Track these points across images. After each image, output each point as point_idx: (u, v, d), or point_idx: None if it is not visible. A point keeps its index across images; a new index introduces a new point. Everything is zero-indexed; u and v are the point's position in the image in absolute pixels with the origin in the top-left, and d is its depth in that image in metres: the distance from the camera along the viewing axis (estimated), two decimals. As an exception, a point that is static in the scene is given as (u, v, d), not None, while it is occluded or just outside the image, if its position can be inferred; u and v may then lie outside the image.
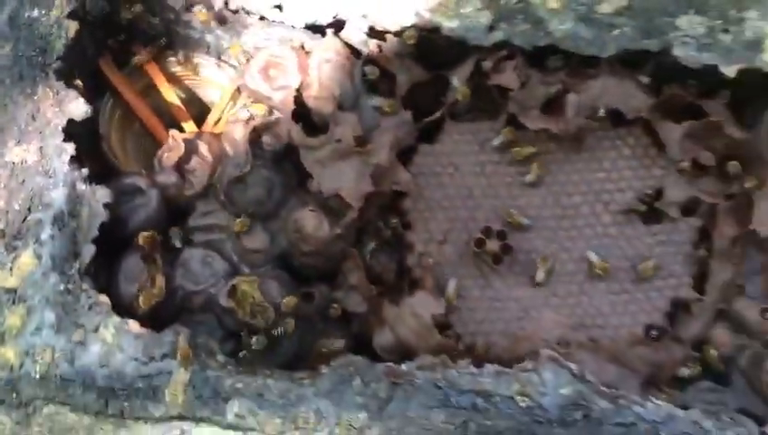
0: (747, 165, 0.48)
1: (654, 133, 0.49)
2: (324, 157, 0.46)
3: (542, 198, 0.49)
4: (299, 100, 0.48)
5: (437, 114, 0.49)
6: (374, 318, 0.45)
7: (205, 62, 0.55)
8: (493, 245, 0.47)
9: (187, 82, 0.57)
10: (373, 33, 0.48)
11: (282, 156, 0.47)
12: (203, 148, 0.47)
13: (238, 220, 0.44)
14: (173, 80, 0.56)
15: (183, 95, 0.58)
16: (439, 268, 0.47)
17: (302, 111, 0.49)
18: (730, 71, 0.47)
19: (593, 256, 0.47)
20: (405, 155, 0.49)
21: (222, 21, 0.49)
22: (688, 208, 0.48)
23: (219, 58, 0.55)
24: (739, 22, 0.47)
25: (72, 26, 0.48)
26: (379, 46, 0.49)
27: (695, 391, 0.46)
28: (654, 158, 0.49)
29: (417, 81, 0.50)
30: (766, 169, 0.47)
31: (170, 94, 0.55)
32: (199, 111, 0.61)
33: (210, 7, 0.50)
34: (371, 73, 0.49)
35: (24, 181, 0.45)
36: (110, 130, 0.53)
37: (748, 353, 0.46)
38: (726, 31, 0.47)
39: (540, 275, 0.46)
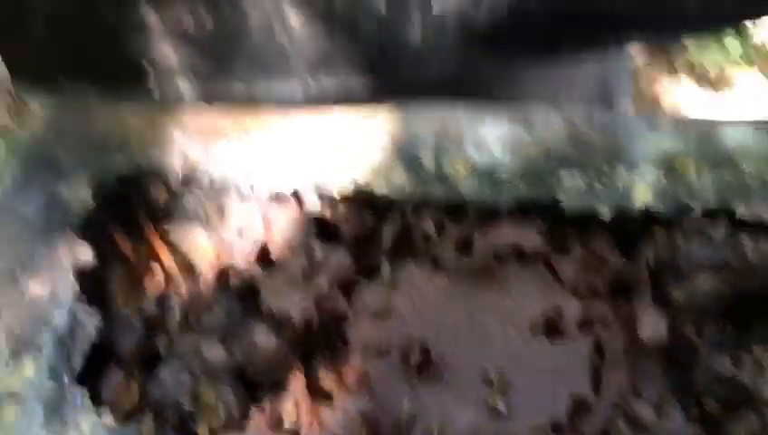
0: (631, 286, 0.57)
1: (552, 266, 0.59)
2: (277, 287, 0.57)
3: (462, 322, 0.58)
4: (264, 251, 0.60)
5: (373, 259, 0.61)
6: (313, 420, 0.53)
7: (195, 235, 0.68)
8: (416, 356, 0.55)
9: (183, 251, 0.70)
10: (322, 196, 0.61)
11: (245, 290, 0.58)
12: (182, 287, 0.58)
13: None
14: (171, 249, 0.69)
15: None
16: (372, 382, 0.55)
17: (264, 260, 0.60)
18: (605, 213, 0.58)
19: (508, 380, 0.55)
20: (348, 288, 0.60)
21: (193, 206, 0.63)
22: (584, 325, 0.56)
23: (209, 232, 0.68)
24: (611, 176, 0.59)
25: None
26: (328, 206, 0.62)
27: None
28: (553, 285, 0.58)
29: (358, 233, 0.61)
30: (646, 289, 0.56)
31: (169, 261, 0.68)
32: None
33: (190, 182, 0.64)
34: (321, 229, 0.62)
35: (35, 309, 0.56)
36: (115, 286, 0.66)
37: (646, 451, 0.51)
38: (601, 182, 0.59)
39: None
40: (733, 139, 0.61)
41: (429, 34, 0.56)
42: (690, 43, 2.29)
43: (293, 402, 0.54)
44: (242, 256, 0.61)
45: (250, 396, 0.55)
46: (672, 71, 2.32)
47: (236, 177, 0.63)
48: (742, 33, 2.27)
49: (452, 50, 0.57)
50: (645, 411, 0.52)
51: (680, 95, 2.29)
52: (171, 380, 0.55)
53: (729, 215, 0.57)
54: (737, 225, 0.56)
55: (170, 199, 0.66)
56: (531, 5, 0.56)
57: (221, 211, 0.65)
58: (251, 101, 0.72)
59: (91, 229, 0.63)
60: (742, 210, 0.56)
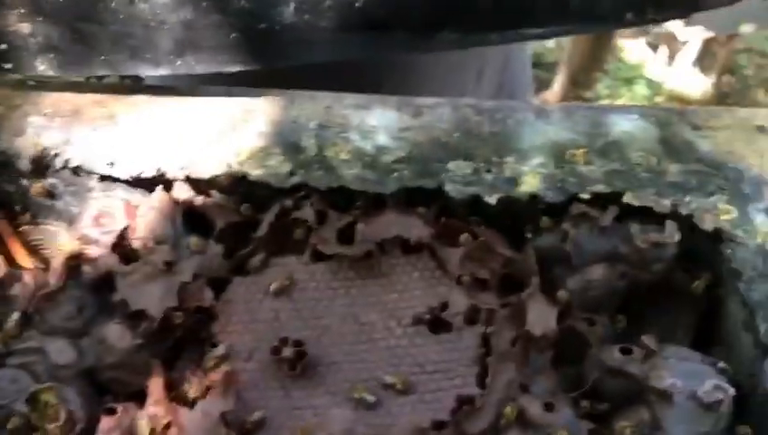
0: (520, 277, 0.54)
1: (438, 257, 0.55)
2: (136, 280, 0.51)
3: (343, 317, 0.53)
4: (123, 240, 0.54)
5: (248, 249, 0.56)
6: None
7: (54, 229, 0.62)
8: (288, 352, 0.50)
9: (40, 250, 0.63)
10: (191, 182, 0.56)
11: (100, 282, 0.52)
12: (27, 276, 0.52)
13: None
14: (28, 247, 0.62)
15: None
16: (242, 382, 0.50)
17: (123, 250, 0.54)
18: (492, 199, 0.55)
19: (389, 379, 0.50)
20: (217, 283, 0.54)
21: (51, 195, 0.57)
22: (471, 319, 0.53)
23: (70, 224, 0.61)
24: (500, 165, 0.57)
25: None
26: (198, 194, 0.56)
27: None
28: (439, 278, 0.55)
29: (231, 222, 0.56)
30: (535, 280, 0.53)
31: (25, 260, 0.61)
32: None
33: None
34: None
35: None
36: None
37: (535, 447, 0.48)
38: (489, 171, 0.56)
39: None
40: (620, 127, 0.60)
41: (304, 13, 0.52)
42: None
43: (151, 407, 0.48)
44: (100, 246, 0.55)
45: (99, 400, 0.49)
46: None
47: (98, 163, 0.58)
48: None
49: (329, 32, 0.54)
50: (533, 407, 0.48)
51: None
52: (6, 382, 0.48)
53: (618, 202, 0.55)
54: (626, 213, 0.55)
55: (23, 187, 0.59)
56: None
57: (80, 199, 0.58)
58: (115, 83, 0.66)
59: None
60: (629, 198, 0.55)
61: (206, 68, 0.57)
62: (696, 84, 2.39)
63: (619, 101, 2.33)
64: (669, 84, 2.43)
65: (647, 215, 0.54)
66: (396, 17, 0.54)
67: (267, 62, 0.57)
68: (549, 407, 0.48)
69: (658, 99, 2.42)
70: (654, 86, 2.47)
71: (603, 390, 0.50)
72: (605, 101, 2.28)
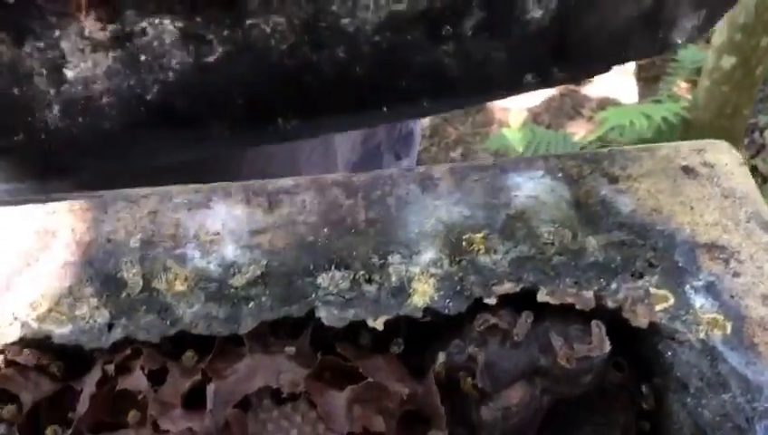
0: (428, 418, 0.44)
1: (318, 407, 0.44)
2: None
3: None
4: None
5: (69, 432, 0.42)
6: None
7: None
8: None
9: None
10: (-22, 352, 0.42)
11: None
12: None
13: None
14: None
15: None
16: None
17: None
18: (378, 323, 0.43)
19: None
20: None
21: None
22: (370, 486, 0.42)
23: None
24: (382, 268, 0.45)
25: None
26: (-7, 368, 0.42)
27: None
28: (325, 432, 0.43)
29: (44, 395, 0.43)
30: (442, 423, 0.43)
31: None
32: None
33: None
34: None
35: None
36: None
37: None
38: (370, 281, 0.45)
39: None
40: (524, 191, 0.49)
41: (74, 116, 0.37)
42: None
43: None
44: None
45: None
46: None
47: None
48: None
49: (115, 134, 0.39)
50: None
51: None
52: None
53: (531, 304, 0.44)
54: (541, 314, 0.44)
55: None
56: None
57: None
58: None
59: None
60: (544, 296, 0.44)
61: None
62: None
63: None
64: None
65: (565, 314, 0.44)
66: (208, 108, 0.40)
67: (39, 180, 0.43)
68: None
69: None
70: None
71: None
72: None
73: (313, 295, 0.44)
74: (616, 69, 0.46)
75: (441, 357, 0.44)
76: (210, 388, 0.42)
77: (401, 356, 0.45)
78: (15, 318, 0.42)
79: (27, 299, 0.43)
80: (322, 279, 0.44)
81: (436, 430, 0.42)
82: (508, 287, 0.44)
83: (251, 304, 0.43)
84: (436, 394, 0.43)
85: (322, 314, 0.43)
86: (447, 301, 0.44)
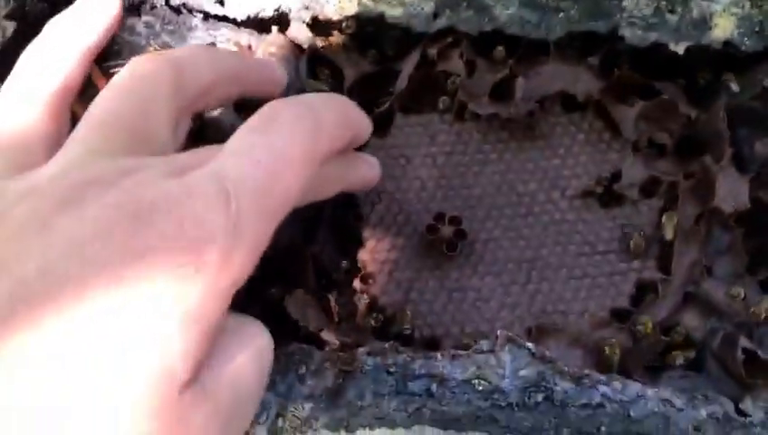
0: (705, 143, 0.47)
1: (607, 116, 0.48)
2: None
3: (497, 186, 0.47)
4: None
5: (385, 106, 0.48)
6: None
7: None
8: (446, 231, 0.44)
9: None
10: (316, 24, 0.47)
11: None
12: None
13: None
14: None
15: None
16: (393, 261, 0.45)
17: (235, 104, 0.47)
18: (679, 48, 0.46)
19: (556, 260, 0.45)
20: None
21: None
22: (648, 190, 0.47)
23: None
24: (684, 2, 0.47)
25: (10, 26, 0.48)
26: (325, 40, 0.48)
27: (666, 378, 0.44)
28: (609, 141, 0.47)
29: (364, 73, 0.48)
30: (724, 145, 0.46)
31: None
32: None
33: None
34: (319, 71, 0.49)
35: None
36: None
37: (720, 336, 0.44)
38: (672, 11, 0.47)
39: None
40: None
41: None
42: None
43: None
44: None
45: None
46: None
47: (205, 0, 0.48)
48: None
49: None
50: (718, 293, 0.43)
51: None
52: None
53: (829, 53, 0.46)
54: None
55: (116, 29, 0.50)
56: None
57: (179, 39, 0.50)
58: None
59: (10, 63, 0.48)
60: (844, 46, 0.46)
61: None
62: None
63: None
64: None
65: None
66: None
67: None
68: (736, 293, 0.43)
69: None
70: None
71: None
72: None
73: (618, 16, 0.46)
74: None
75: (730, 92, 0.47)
76: (518, 81, 0.46)
77: (687, 87, 0.48)
78: (350, -2, 0.47)
79: (362, -19, 0.47)
80: (627, 2, 0.47)
81: (716, 156, 0.45)
82: (808, 34, 0.46)
83: (560, 15, 0.46)
84: (723, 125, 0.46)
85: (626, 32, 0.46)
86: (746, 39, 0.46)
